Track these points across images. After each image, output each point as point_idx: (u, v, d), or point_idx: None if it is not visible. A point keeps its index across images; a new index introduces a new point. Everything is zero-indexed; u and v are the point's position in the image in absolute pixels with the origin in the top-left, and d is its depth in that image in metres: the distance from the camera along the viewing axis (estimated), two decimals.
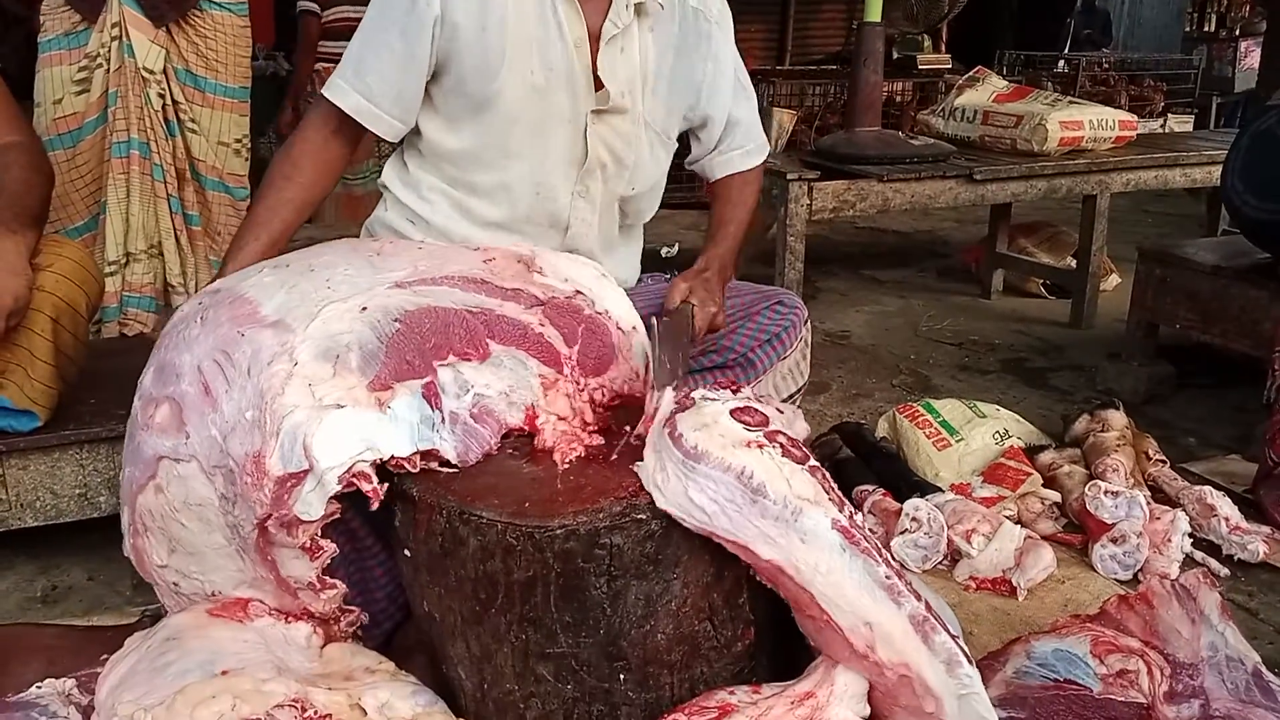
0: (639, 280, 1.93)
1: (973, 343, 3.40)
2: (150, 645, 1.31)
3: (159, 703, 1.19)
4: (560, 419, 1.43)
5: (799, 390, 1.90)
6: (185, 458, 1.30)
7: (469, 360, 1.37)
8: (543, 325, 1.43)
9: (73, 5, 2.42)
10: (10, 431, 1.75)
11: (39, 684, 1.39)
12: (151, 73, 2.42)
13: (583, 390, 1.44)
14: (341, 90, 1.61)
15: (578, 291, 1.49)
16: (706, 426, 1.26)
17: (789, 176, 3.00)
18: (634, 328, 1.52)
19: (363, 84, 1.60)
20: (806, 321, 1.89)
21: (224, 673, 1.24)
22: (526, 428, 1.42)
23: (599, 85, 1.66)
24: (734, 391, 1.38)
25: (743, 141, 1.92)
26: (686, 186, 5.89)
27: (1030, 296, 3.94)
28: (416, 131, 1.69)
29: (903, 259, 4.62)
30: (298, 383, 1.26)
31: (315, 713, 1.21)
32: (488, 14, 1.58)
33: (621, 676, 1.30)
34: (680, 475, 1.24)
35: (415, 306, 1.37)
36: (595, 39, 1.65)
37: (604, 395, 1.46)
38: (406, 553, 1.36)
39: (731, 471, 1.22)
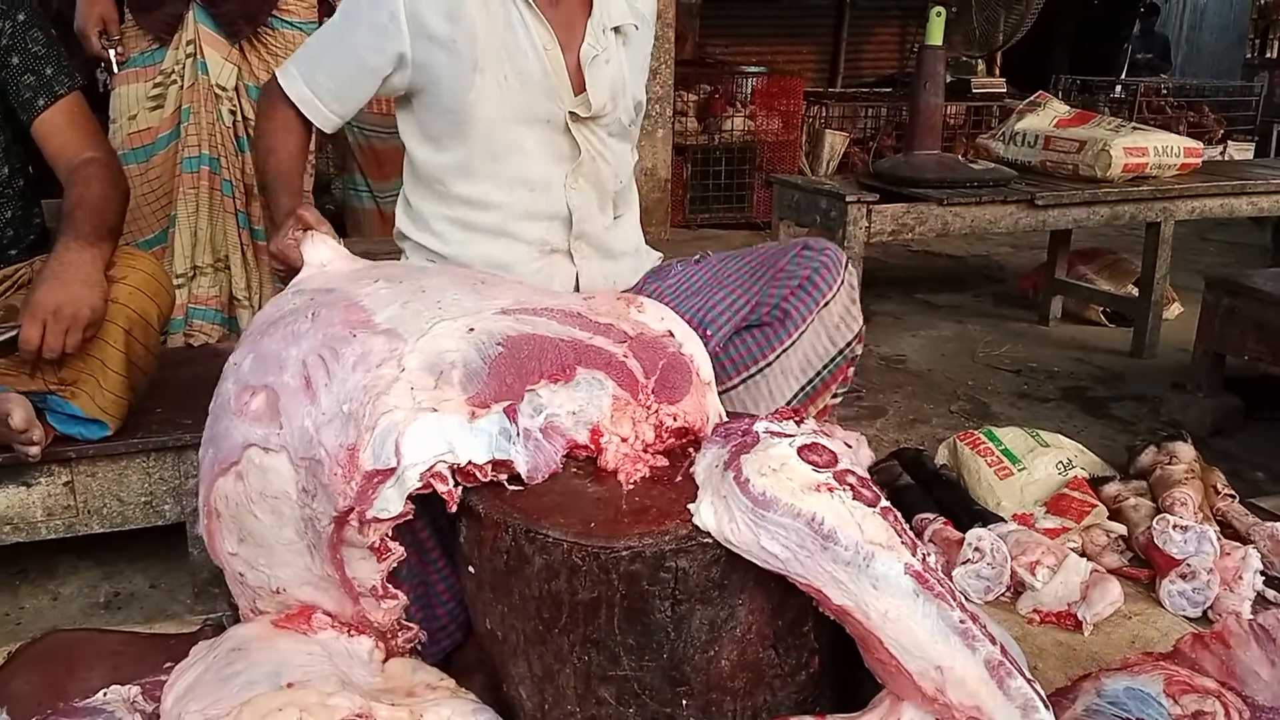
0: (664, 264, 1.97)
1: (1031, 370, 3.35)
2: (216, 655, 1.33)
3: (225, 714, 1.19)
4: (623, 440, 1.43)
5: (855, 337, 1.79)
6: (275, 448, 1.33)
7: (555, 383, 1.39)
8: (626, 356, 1.43)
9: (144, 28, 2.47)
10: (80, 439, 1.78)
11: (104, 690, 1.41)
12: (224, 89, 2.46)
13: (652, 413, 1.43)
14: (291, 77, 1.75)
15: (669, 332, 1.49)
16: (774, 471, 1.24)
17: (847, 199, 2.99)
18: (709, 383, 1.52)
19: (312, 79, 1.74)
20: (847, 265, 1.78)
21: (289, 685, 1.25)
22: (591, 445, 1.41)
23: (579, 89, 1.74)
24: (798, 422, 1.37)
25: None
26: (736, 206, 5.92)
27: (1090, 324, 3.88)
28: (410, 159, 1.80)
29: (958, 284, 4.57)
30: (401, 386, 1.28)
31: None
32: (457, 28, 1.67)
33: (684, 702, 1.28)
34: (750, 524, 1.22)
35: (516, 333, 1.38)
36: (566, 46, 1.74)
37: (672, 422, 1.45)
38: (470, 569, 1.36)
39: (801, 518, 1.20)
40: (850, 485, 1.25)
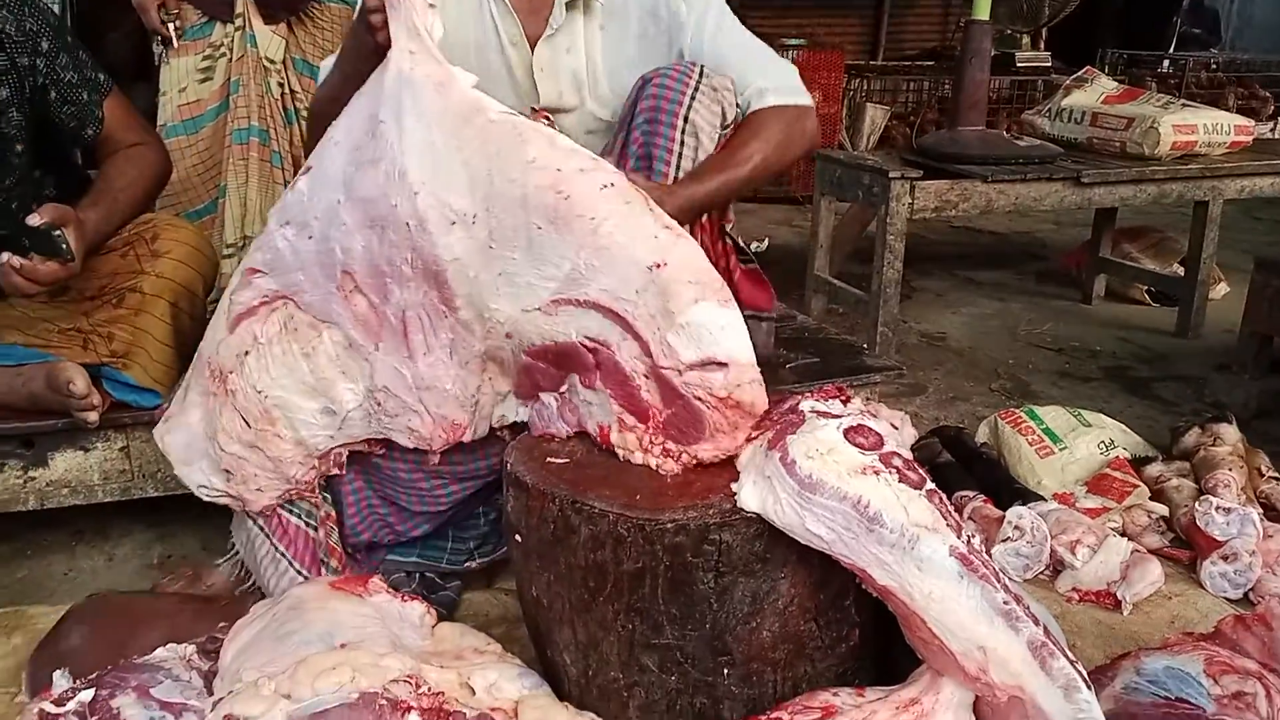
0: None
1: (1073, 349, 3.32)
2: (274, 614, 1.36)
3: (282, 671, 1.23)
4: (629, 450, 1.41)
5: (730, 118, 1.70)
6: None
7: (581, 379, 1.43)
8: (648, 390, 1.36)
9: (198, 6, 2.50)
10: (134, 407, 1.83)
11: (162, 648, 1.45)
12: (273, 62, 2.49)
13: (659, 444, 1.38)
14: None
15: (708, 361, 1.32)
16: (821, 454, 1.24)
17: (890, 175, 2.97)
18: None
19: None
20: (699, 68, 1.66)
21: (342, 645, 1.28)
22: (599, 439, 1.43)
23: None
24: (844, 402, 1.37)
25: (768, 83, 1.72)
26: (775, 180, 5.87)
27: (1133, 303, 3.83)
28: None
29: (1000, 261, 4.52)
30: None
31: (428, 689, 1.24)
32: None
33: (725, 671, 1.30)
34: (795, 505, 1.23)
35: (552, 339, 1.42)
36: (533, 38, 1.70)
37: (688, 458, 1.37)
38: (518, 538, 1.39)
39: (848, 501, 1.21)
40: (896, 468, 1.26)
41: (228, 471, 1.58)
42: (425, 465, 1.63)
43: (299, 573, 1.65)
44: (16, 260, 1.66)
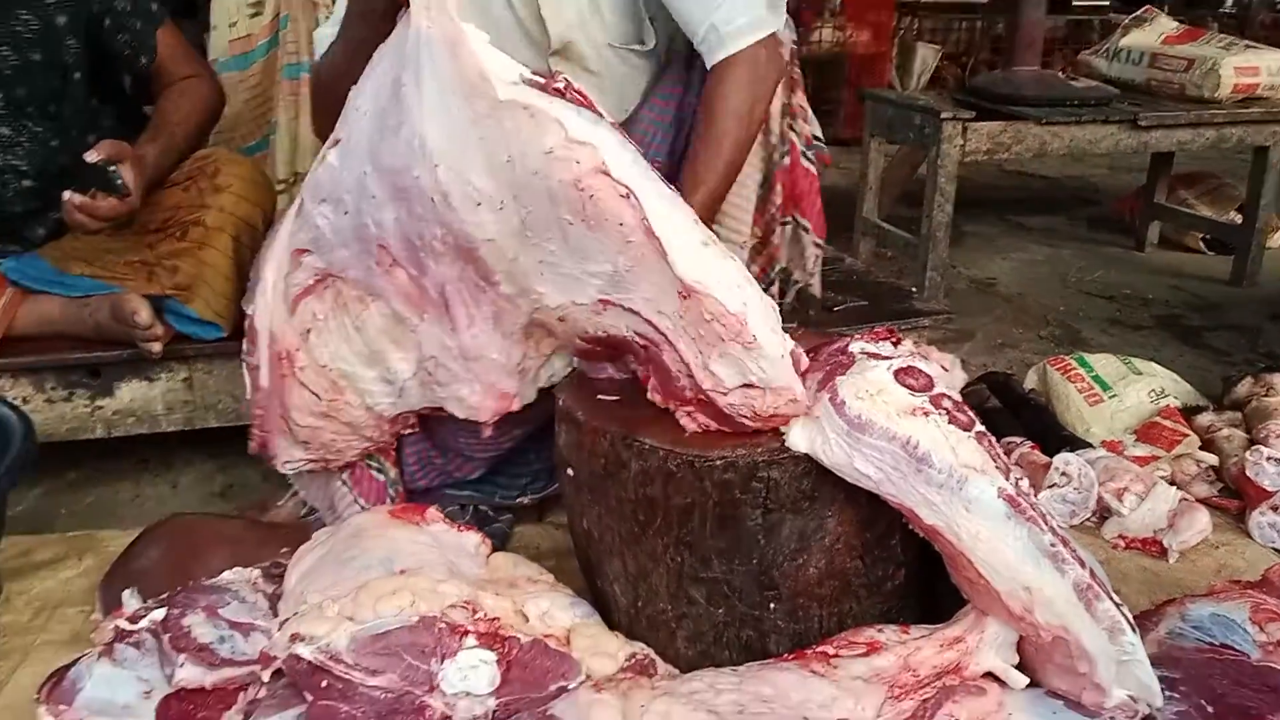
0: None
1: (1125, 296, 3.28)
2: (336, 540, 1.41)
3: (344, 594, 1.28)
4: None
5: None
6: None
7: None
8: (691, 389, 1.33)
9: None
10: (196, 339, 1.88)
11: (228, 571, 1.51)
12: None
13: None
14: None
15: (752, 385, 1.29)
16: (871, 395, 1.25)
17: (943, 116, 2.93)
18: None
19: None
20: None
21: (402, 571, 1.33)
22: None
23: None
24: (894, 344, 1.38)
25: (718, 19, 1.57)
26: (823, 121, 5.80)
27: (1188, 251, 3.77)
28: None
29: (1051, 206, 4.46)
30: None
31: (484, 615, 1.28)
32: None
33: (772, 605, 1.33)
34: (844, 445, 1.24)
35: (604, 331, 1.40)
36: None
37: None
38: (569, 472, 1.42)
39: (897, 441, 1.21)
40: (946, 409, 1.26)
41: (305, 443, 1.62)
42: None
43: (363, 508, 1.70)
44: (77, 197, 1.70)
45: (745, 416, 1.31)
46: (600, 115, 1.25)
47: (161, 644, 1.34)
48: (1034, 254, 3.73)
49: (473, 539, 1.49)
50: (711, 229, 1.68)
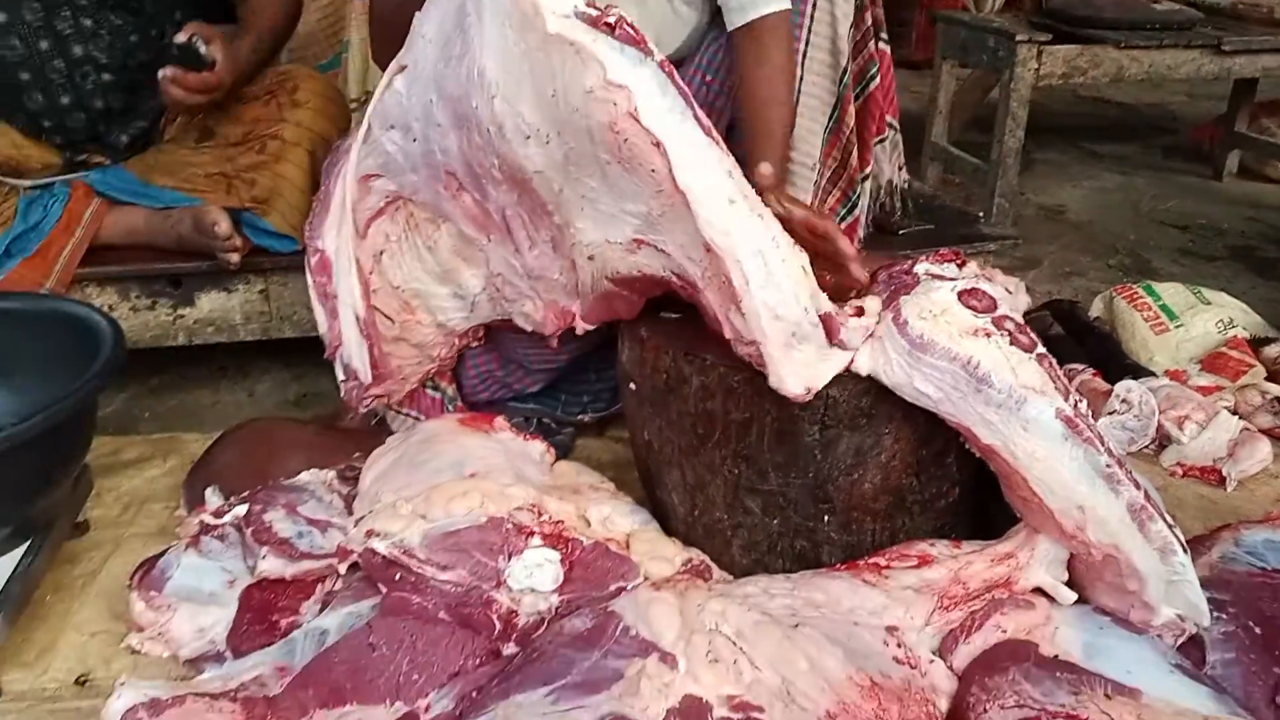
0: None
1: (1199, 227, 3.20)
2: (408, 445, 1.48)
3: (417, 494, 1.34)
4: None
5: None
6: None
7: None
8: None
9: None
10: (272, 252, 1.94)
11: (305, 472, 1.58)
12: None
13: None
14: None
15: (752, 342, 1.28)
16: (934, 315, 1.26)
17: (1017, 38, 2.85)
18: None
19: None
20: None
21: (472, 475, 1.39)
22: None
23: None
24: (959, 265, 1.38)
25: None
26: (894, 43, 5.63)
27: (1269, 181, 3.65)
28: None
29: (1126, 133, 4.33)
30: None
31: (549, 518, 1.34)
32: None
33: (826, 518, 1.37)
34: (905, 365, 1.25)
35: (639, 270, 1.41)
36: None
37: None
38: (631, 386, 1.46)
39: (958, 361, 1.22)
40: (1008, 331, 1.27)
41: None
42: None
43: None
44: (170, 70, 1.77)
45: (760, 369, 1.29)
46: (648, 53, 1.23)
47: (244, 538, 1.43)
48: (1105, 182, 3.64)
49: (538, 447, 1.54)
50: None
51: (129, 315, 1.92)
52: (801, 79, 1.70)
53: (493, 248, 1.54)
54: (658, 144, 1.21)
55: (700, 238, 1.24)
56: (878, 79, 1.82)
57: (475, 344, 1.74)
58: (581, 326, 1.56)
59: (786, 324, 1.22)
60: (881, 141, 1.89)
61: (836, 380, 1.29)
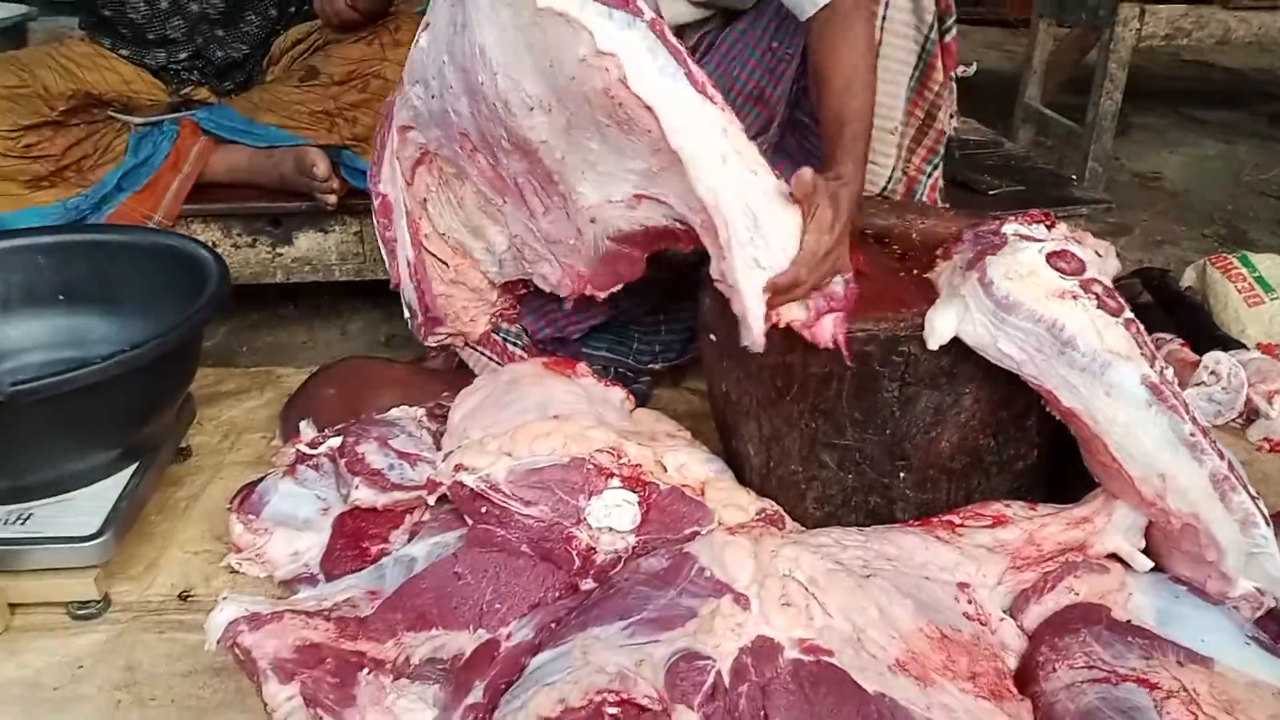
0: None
1: None
2: (496, 386, 1.53)
3: (503, 433, 1.39)
4: None
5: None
6: None
7: None
8: None
9: None
10: (368, 194, 1.99)
11: (396, 409, 1.64)
12: None
13: None
14: None
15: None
16: (1021, 277, 1.25)
17: None
18: None
19: None
20: None
21: (555, 416, 1.43)
22: None
23: None
24: (1049, 227, 1.37)
25: None
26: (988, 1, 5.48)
27: None
28: None
29: (1230, 100, 4.17)
30: None
31: (628, 461, 1.38)
32: None
33: (901, 475, 1.38)
34: (989, 325, 1.25)
35: (641, 225, 1.44)
36: None
37: None
38: (712, 337, 1.48)
39: (1043, 323, 1.22)
40: (1096, 294, 1.26)
41: (444, 315, 1.72)
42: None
43: (497, 364, 1.81)
44: None
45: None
46: (637, 13, 1.22)
47: (338, 468, 1.49)
48: (1205, 149, 3.52)
49: (618, 393, 1.58)
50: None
51: (230, 252, 2.00)
52: (880, 41, 1.68)
53: (510, 210, 1.58)
54: (649, 108, 1.24)
55: (691, 198, 1.27)
56: (952, 30, 1.79)
57: (525, 290, 1.78)
58: (596, 295, 1.58)
59: (766, 273, 1.26)
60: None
61: (917, 338, 1.30)
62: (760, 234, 1.26)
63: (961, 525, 1.33)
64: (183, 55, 2.04)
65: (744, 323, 1.28)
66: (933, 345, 1.28)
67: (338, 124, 1.93)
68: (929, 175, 1.75)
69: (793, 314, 1.30)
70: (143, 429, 1.50)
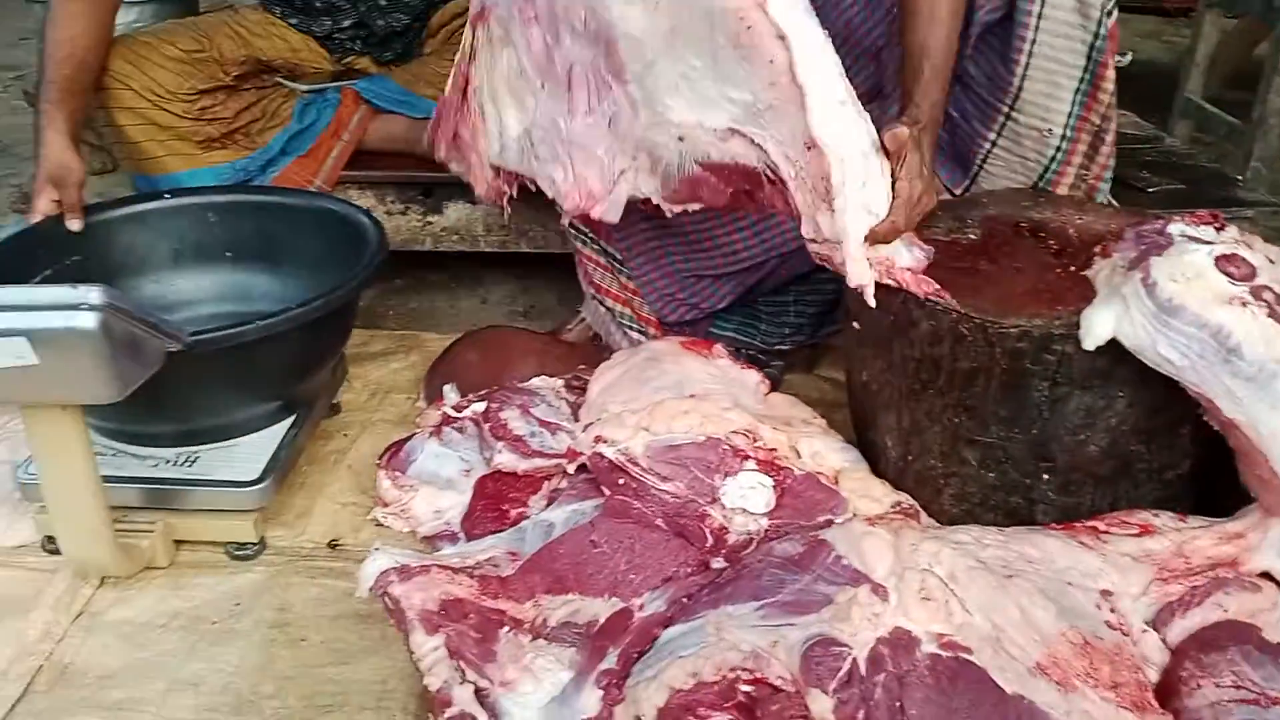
0: None
1: None
2: (633, 362, 1.55)
3: (641, 408, 1.42)
4: None
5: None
6: None
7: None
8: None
9: None
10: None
11: (536, 378, 1.69)
12: None
13: None
14: None
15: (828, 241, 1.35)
16: (1187, 280, 1.21)
17: None
18: None
19: None
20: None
21: (692, 395, 1.45)
22: None
23: None
24: (1218, 229, 1.32)
25: None
26: None
27: None
28: None
29: None
30: None
31: (763, 444, 1.39)
32: None
33: (1045, 477, 1.35)
34: (1150, 328, 1.21)
35: (733, 159, 1.38)
36: None
37: None
38: (855, 325, 1.47)
39: (1208, 329, 1.18)
40: (1266, 302, 1.21)
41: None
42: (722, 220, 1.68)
43: (630, 338, 1.84)
44: None
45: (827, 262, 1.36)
46: None
47: (482, 432, 1.54)
48: None
49: (753, 376, 1.59)
50: (1010, 115, 1.65)
51: (383, 218, 2.05)
52: (1035, 40, 1.62)
53: (545, 97, 1.48)
54: (782, 37, 1.22)
55: (802, 136, 1.25)
56: (1114, 14, 1.72)
57: (507, 189, 1.67)
58: (667, 207, 1.48)
59: (874, 219, 1.29)
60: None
61: (1073, 337, 1.27)
62: (871, 179, 1.27)
63: (1106, 532, 1.30)
64: (346, 24, 2.12)
65: (851, 273, 1.30)
66: (1088, 345, 1.25)
67: None
68: (1108, 182, 1.69)
69: (903, 261, 1.32)
70: (303, 382, 1.59)
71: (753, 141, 1.33)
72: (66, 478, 1.30)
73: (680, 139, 1.38)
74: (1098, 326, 1.26)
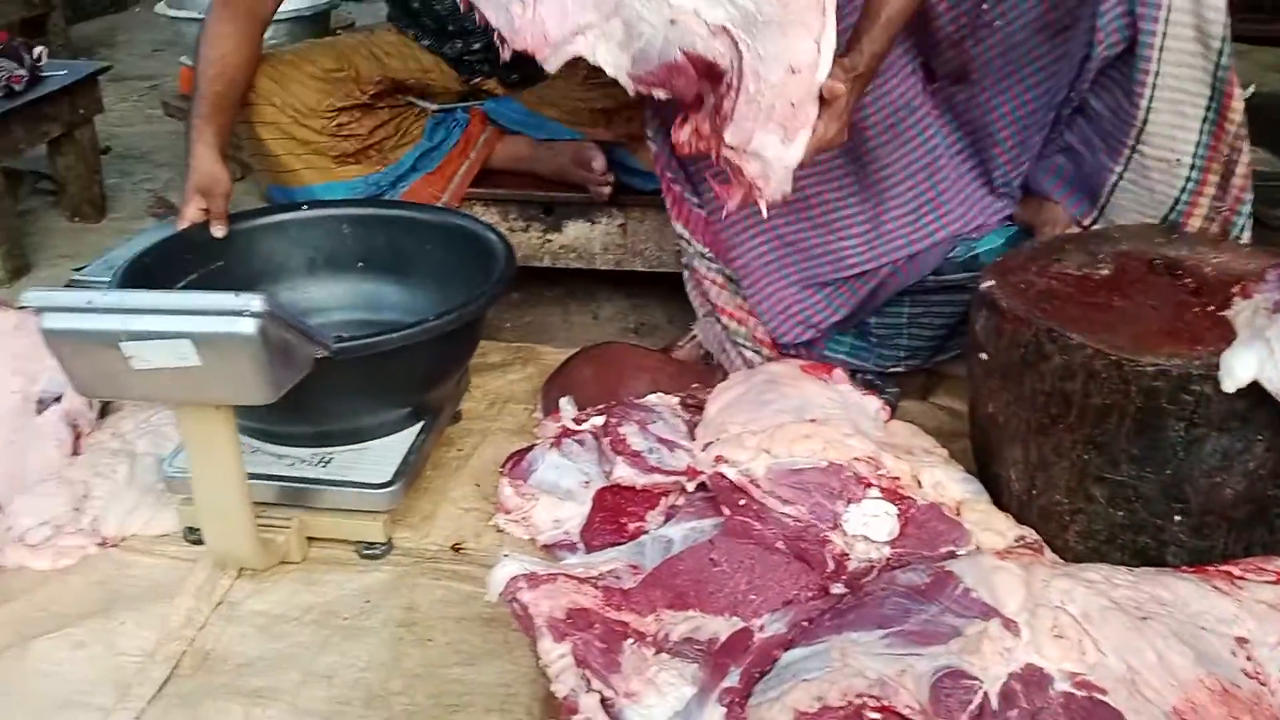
0: None
1: None
2: (753, 383, 1.57)
3: (762, 430, 1.43)
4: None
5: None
6: None
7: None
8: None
9: None
10: (636, 190, 2.08)
11: (653, 395, 1.72)
12: None
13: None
14: None
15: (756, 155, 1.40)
16: None
17: None
18: None
19: None
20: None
21: (812, 420, 1.46)
22: None
23: None
24: None
25: None
26: (1268, 16, 5.05)
27: None
28: None
29: None
30: None
31: (886, 472, 1.39)
32: None
33: (1177, 518, 1.33)
34: None
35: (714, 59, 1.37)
36: None
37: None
38: (983, 356, 1.47)
39: None
40: None
41: None
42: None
43: (755, 352, 1.86)
44: None
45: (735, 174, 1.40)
46: None
47: (601, 445, 1.58)
48: None
49: (874, 403, 1.59)
50: (1136, 147, 1.63)
51: (506, 234, 2.13)
52: (1158, 72, 1.60)
53: None
54: None
55: (788, 59, 1.30)
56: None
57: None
58: (631, 87, 1.43)
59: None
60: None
61: (1212, 378, 1.24)
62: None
63: (1241, 578, 1.26)
64: (476, 46, 2.19)
65: (768, 192, 1.39)
66: (1228, 387, 1.23)
67: (614, 121, 2.03)
68: (1244, 214, 1.66)
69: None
70: (432, 390, 1.64)
71: (736, 46, 1.34)
72: (215, 473, 1.36)
73: (672, 22, 1.34)
74: (1239, 369, 1.23)
